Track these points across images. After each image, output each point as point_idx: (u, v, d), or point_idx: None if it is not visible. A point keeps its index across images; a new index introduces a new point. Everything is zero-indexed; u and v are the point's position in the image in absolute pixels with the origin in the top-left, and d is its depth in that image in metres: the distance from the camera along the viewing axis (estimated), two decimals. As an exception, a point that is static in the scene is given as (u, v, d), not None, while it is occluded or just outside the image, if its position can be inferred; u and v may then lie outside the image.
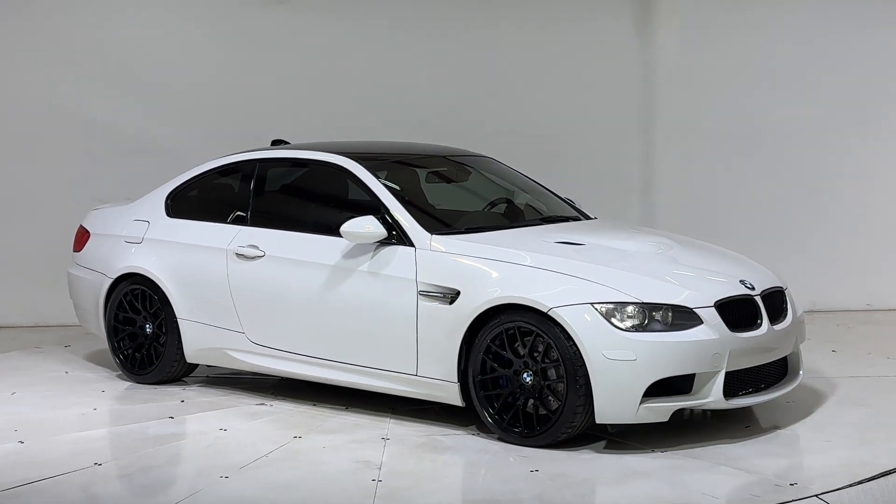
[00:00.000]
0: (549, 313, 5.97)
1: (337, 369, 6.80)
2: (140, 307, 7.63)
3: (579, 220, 7.46)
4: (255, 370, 7.22)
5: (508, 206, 7.58)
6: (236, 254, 7.16)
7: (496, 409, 6.19)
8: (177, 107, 10.33)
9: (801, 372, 6.61)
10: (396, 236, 6.60)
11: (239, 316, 7.16)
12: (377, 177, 6.94)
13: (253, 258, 7.09)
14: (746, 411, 6.50)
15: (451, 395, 6.37)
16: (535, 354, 6.07)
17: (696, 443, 6.08)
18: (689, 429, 6.29)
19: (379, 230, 6.56)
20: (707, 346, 5.94)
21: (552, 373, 6.04)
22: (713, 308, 6.04)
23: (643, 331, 5.89)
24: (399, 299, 6.48)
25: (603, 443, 6.11)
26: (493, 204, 7.61)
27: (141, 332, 7.63)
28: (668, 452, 5.95)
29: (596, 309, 5.91)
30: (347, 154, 7.16)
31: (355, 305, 6.67)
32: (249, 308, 7.13)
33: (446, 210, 7.35)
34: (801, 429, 6.38)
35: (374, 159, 7.28)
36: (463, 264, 6.38)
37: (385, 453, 5.98)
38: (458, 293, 6.29)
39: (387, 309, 6.54)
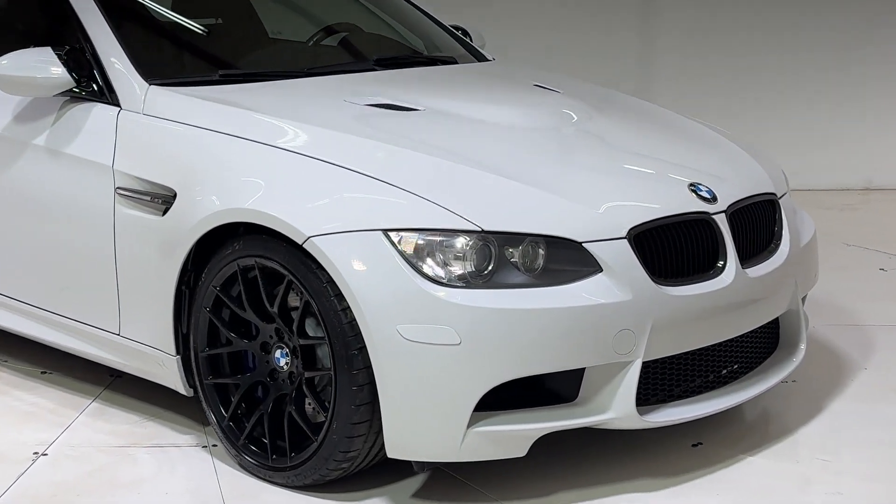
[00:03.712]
0: (305, 246, 3.12)
1: (14, 312, 4.03)
2: None
3: (455, 62, 4.51)
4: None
5: (348, 37, 4.65)
6: None
7: (233, 408, 3.42)
8: None
9: (801, 346, 3.69)
10: (97, 88, 3.74)
11: None
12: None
13: None
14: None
15: (169, 374, 3.58)
16: (293, 318, 3.27)
17: (593, 483, 3.27)
18: (589, 450, 3.49)
19: (58, 74, 3.68)
20: (606, 314, 3.06)
21: (323, 354, 3.23)
22: (625, 240, 3.14)
23: (483, 286, 3.04)
24: (88, 201, 3.65)
25: (417, 481, 3.33)
26: (329, 31, 4.69)
27: None
28: (528, 510, 3.17)
29: (391, 241, 3.05)
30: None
31: (30, 208, 3.85)
32: None
33: (232, 44, 4.46)
34: (793, 446, 3.54)
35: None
36: (187, 142, 3.51)
37: None
38: (173, 195, 3.45)
39: (72, 217, 3.72)
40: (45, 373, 4.17)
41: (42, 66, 3.67)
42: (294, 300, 3.26)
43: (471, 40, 4.85)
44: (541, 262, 3.09)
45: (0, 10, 4.28)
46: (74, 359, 4.00)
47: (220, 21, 4.68)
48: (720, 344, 3.36)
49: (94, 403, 3.90)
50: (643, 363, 3.12)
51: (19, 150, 3.83)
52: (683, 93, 7.30)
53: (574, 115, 3.87)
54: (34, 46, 3.73)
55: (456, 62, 4.50)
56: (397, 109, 3.63)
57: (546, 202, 3.17)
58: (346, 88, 3.83)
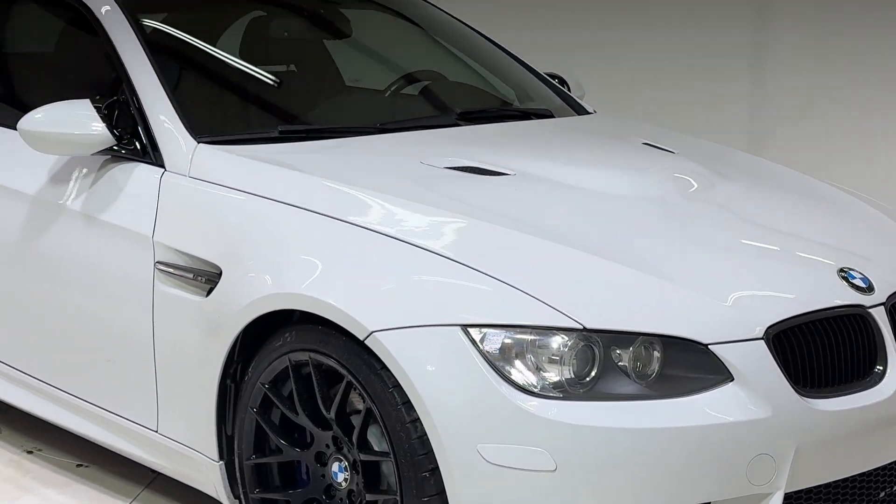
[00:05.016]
0: (367, 342, 2.57)
1: (41, 397, 3.54)
2: None
3: (551, 116, 3.95)
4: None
5: (430, 86, 4.13)
6: None
7: (283, 529, 2.88)
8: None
9: (974, 466, 3.05)
10: (139, 145, 3.25)
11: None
12: (139, 27, 3.51)
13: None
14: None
15: (211, 481, 3.05)
16: (354, 424, 2.72)
17: None
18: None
19: (98, 130, 3.19)
20: (739, 435, 2.46)
21: (389, 471, 2.67)
22: (762, 341, 2.54)
23: (585, 398, 2.46)
24: (125, 277, 3.15)
25: None
26: (409, 80, 4.17)
27: None
28: None
29: (472, 339, 2.48)
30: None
31: (62, 282, 3.37)
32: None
33: (295, 92, 3.96)
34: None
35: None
36: (235, 211, 3.00)
37: None
38: (219, 273, 2.94)
39: (108, 295, 3.22)
40: (81, 466, 3.67)
41: (80, 121, 3.19)
42: (358, 401, 2.72)
43: (568, 90, 4.29)
44: (656, 367, 2.50)
45: (31, 53, 3.83)
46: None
47: (291, 68, 4.21)
48: (880, 468, 2.73)
49: (129, 507, 3.39)
50: (785, 495, 2.52)
51: (52, 214, 3.35)
52: (801, 153, 6.63)
53: (693, 182, 3.28)
54: (70, 97, 3.27)
55: (552, 115, 3.94)
56: (483, 174, 3.08)
57: (663, 293, 2.58)
58: (425, 148, 3.30)
